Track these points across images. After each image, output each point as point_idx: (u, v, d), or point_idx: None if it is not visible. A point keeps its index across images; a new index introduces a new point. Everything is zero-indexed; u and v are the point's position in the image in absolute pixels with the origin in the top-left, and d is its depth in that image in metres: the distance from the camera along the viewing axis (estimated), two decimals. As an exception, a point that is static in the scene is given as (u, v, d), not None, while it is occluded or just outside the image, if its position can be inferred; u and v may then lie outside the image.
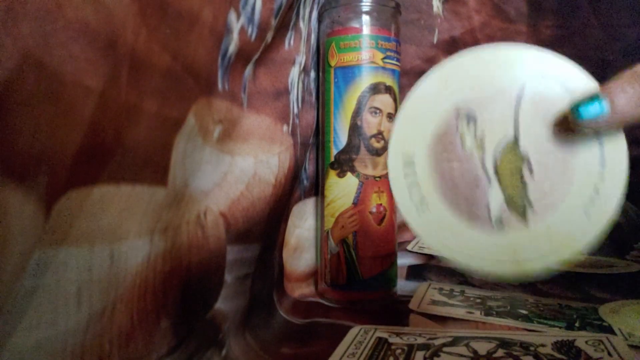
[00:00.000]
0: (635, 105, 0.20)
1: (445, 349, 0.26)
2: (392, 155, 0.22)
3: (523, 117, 0.22)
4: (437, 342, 0.27)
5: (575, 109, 0.21)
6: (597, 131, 0.21)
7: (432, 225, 0.22)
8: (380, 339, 0.28)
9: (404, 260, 0.45)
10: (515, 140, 0.22)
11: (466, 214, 0.22)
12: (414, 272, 0.44)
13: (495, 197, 0.22)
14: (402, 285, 0.41)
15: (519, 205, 0.21)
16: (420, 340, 0.28)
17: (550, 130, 0.21)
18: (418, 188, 0.22)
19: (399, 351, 0.26)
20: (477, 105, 0.22)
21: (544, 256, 0.21)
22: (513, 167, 0.22)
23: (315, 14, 0.38)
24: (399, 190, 0.22)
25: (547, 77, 0.22)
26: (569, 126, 0.21)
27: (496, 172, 0.22)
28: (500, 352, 0.26)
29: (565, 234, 0.21)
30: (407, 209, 0.22)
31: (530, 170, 0.22)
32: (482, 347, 0.26)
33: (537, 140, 0.21)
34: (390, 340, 0.28)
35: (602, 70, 0.54)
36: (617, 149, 0.21)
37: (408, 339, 0.28)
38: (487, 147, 0.22)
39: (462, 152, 0.22)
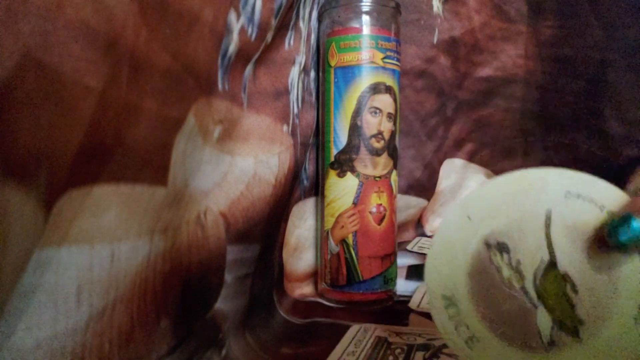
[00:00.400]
0: None
1: (445, 350, 0.26)
2: (432, 299, 0.22)
3: (556, 238, 0.21)
4: (436, 343, 0.27)
5: (613, 235, 0.20)
6: (638, 247, 0.21)
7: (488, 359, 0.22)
8: (379, 338, 0.28)
9: (404, 260, 0.45)
10: (553, 263, 0.21)
11: (519, 343, 0.21)
12: (414, 272, 0.44)
13: (544, 322, 0.21)
14: (402, 285, 0.41)
15: (569, 325, 0.21)
16: (420, 341, 0.28)
17: (586, 247, 0.21)
18: (465, 327, 0.22)
19: (398, 350, 0.26)
20: (506, 235, 0.21)
21: None
22: (556, 289, 0.21)
23: (315, 14, 0.38)
24: (446, 331, 0.22)
25: (571, 195, 0.21)
26: (605, 242, 0.21)
27: (540, 297, 0.21)
28: (500, 352, 0.26)
29: (621, 346, 0.21)
30: (458, 347, 0.22)
31: (575, 290, 0.21)
32: (482, 347, 0.26)
33: (575, 260, 0.21)
34: (390, 339, 0.28)
35: (602, 70, 0.54)
36: None
37: (408, 338, 0.28)
38: (525, 274, 0.22)
39: (501, 285, 0.22)
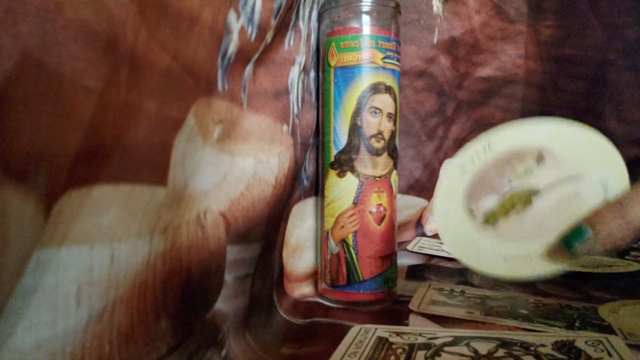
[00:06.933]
0: (618, 236, 0.25)
1: (446, 348, 0.26)
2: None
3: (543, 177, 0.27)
4: (437, 342, 0.27)
5: (565, 240, 0.26)
6: (589, 252, 0.26)
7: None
8: (380, 338, 0.28)
9: (404, 260, 0.45)
10: (537, 191, 0.27)
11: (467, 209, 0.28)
12: (414, 272, 0.44)
13: (491, 201, 0.27)
14: (402, 285, 0.41)
15: (495, 218, 0.27)
16: (420, 340, 0.28)
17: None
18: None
19: (399, 351, 0.26)
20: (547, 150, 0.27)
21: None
22: (523, 198, 0.27)
23: (315, 14, 0.38)
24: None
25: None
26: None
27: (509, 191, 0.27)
28: (500, 352, 0.26)
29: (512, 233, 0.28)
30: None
31: (524, 211, 0.27)
32: (483, 347, 0.26)
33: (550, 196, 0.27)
34: (391, 339, 0.28)
35: (602, 71, 0.54)
36: None
37: (409, 338, 0.28)
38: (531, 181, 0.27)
39: (501, 181, 0.27)
